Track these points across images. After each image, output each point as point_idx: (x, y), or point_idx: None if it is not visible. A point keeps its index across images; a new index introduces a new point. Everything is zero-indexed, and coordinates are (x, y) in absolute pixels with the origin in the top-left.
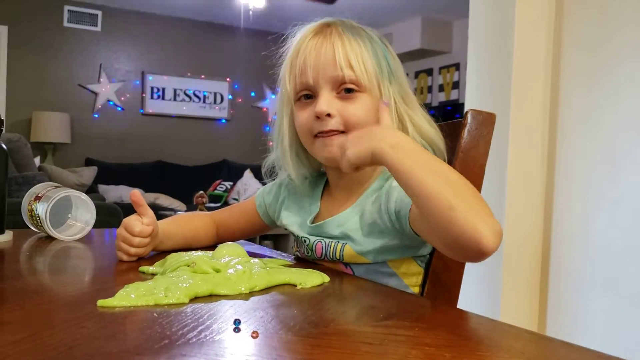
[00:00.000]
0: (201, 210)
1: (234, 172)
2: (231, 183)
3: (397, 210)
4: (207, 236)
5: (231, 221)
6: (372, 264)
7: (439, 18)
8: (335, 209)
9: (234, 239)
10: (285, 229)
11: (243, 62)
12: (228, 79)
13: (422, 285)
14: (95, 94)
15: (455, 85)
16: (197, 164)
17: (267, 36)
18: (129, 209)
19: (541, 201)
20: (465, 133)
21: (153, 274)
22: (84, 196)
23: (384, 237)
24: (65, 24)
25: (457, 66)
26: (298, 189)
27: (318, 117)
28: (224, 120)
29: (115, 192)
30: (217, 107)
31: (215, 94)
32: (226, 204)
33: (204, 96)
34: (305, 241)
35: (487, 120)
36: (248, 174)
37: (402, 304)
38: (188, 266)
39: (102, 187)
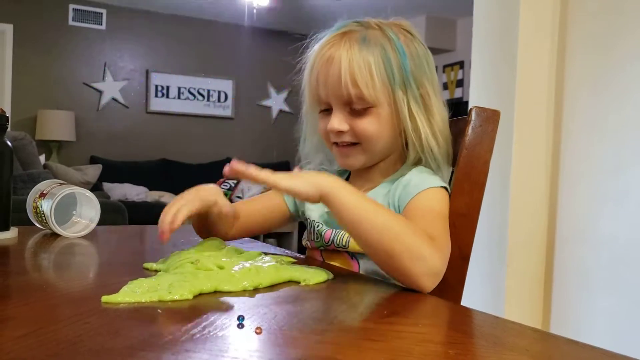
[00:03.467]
0: None
1: None
2: (235, 181)
3: (399, 205)
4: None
5: (253, 210)
6: None
7: (444, 16)
8: None
9: (256, 229)
10: (306, 217)
11: (248, 60)
12: (232, 78)
13: None
14: (100, 92)
15: (460, 83)
16: (201, 162)
17: (272, 34)
18: (133, 207)
19: (545, 199)
20: (470, 130)
21: (156, 271)
22: (88, 193)
23: None
24: (70, 22)
25: (461, 64)
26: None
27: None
28: (228, 119)
29: (119, 190)
30: (221, 106)
31: (219, 92)
32: (230, 202)
33: (209, 94)
34: (317, 226)
35: (491, 118)
36: None
37: (406, 301)
38: (192, 263)
39: (106, 185)
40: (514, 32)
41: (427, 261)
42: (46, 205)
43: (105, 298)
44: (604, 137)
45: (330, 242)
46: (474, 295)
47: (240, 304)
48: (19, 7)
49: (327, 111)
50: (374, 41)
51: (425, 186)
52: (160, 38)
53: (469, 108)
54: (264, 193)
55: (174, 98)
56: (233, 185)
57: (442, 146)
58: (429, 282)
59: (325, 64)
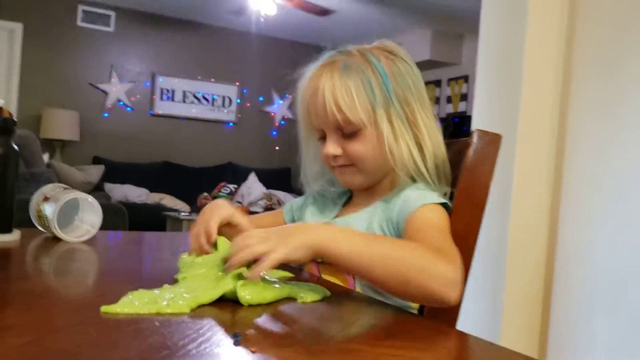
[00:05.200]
0: None
1: (238, 175)
2: (235, 186)
3: (398, 221)
4: None
5: (263, 225)
6: None
7: (450, 30)
8: (350, 214)
9: None
10: None
11: (253, 67)
12: (237, 83)
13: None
14: (106, 93)
15: (464, 97)
16: (203, 166)
17: (278, 42)
18: (133, 208)
19: (546, 221)
20: (471, 152)
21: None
22: (90, 199)
23: None
24: (79, 23)
25: (466, 78)
26: (327, 193)
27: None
28: (231, 124)
29: (120, 191)
30: (225, 111)
31: (224, 97)
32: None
33: (213, 99)
34: None
35: (493, 141)
36: (253, 178)
37: (402, 323)
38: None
39: (108, 186)
40: (519, 53)
41: (444, 275)
42: (49, 210)
43: (104, 308)
44: (607, 160)
45: None
46: (471, 316)
47: (237, 320)
48: (29, 6)
49: (324, 138)
50: (354, 67)
51: (424, 202)
52: (167, 42)
53: (471, 130)
54: (272, 212)
55: (179, 102)
56: (233, 190)
57: (430, 164)
58: (453, 294)
59: (313, 95)
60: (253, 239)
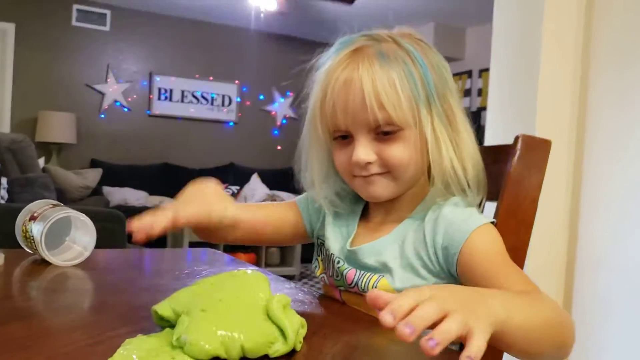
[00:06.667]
0: None
1: (241, 177)
2: (238, 187)
3: (444, 245)
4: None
5: (262, 217)
6: None
7: (453, 24)
8: (372, 234)
9: (263, 239)
10: (323, 245)
11: (252, 64)
12: (237, 82)
13: None
14: (102, 94)
15: (467, 92)
16: (204, 167)
17: (278, 39)
18: (132, 212)
19: (566, 223)
20: (516, 161)
21: (162, 318)
22: (83, 217)
23: (426, 273)
24: (74, 23)
25: (469, 73)
26: (340, 209)
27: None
28: (231, 124)
29: (119, 195)
30: (225, 110)
31: (223, 96)
32: None
33: (212, 98)
34: (337, 262)
35: (541, 147)
36: (255, 179)
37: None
38: (203, 311)
39: (106, 189)
40: (536, 44)
41: (570, 321)
42: (36, 230)
43: None
44: (628, 158)
45: (353, 285)
46: None
47: None
48: (22, 6)
49: (344, 139)
50: (392, 55)
51: (474, 225)
52: (164, 40)
53: (515, 135)
54: (278, 203)
55: (177, 101)
56: (235, 191)
57: (469, 170)
58: (574, 340)
59: (343, 88)
60: (431, 307)
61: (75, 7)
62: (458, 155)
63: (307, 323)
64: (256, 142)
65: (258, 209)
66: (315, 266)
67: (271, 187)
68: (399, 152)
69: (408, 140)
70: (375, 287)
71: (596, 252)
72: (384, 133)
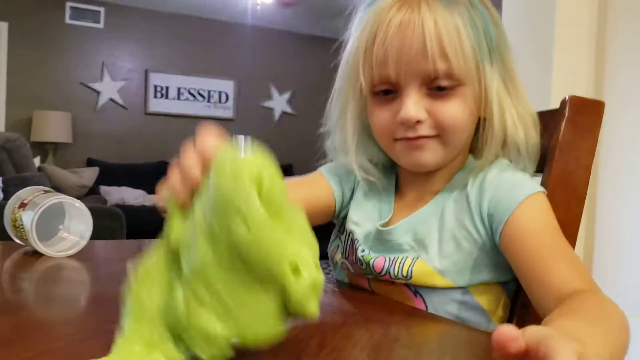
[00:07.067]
0: None
1: None
2: None
3: (490, 213)
4: None
5: (296, 193)
6: (451, 290)
7: None
8: (409, 211)
9: None
10: (345, 226)
11: (249, 60)
12: (234, 78)
13: (509, 322)
14: (98, 92)
15: None
16: None
17: (274, 34)
18: (130, 211)
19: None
20: (565, 126)
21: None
22: (78, 203)
23: (470, 246)
24: (67, 20)
25: None
26: (376, 178)
27: (403, 123)
28: (229, 120)
29: (117, 194)
30: (222, 107)
31: (220, 92)
32: None
33: (209, 95)
34: (361, 249)
35: (593, 110)
36: None
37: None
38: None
39: (103, 189)
40: (549, 26)
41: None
42: (27, 218)
43: None
44: None
45: (384, 273)
46: None
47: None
48: (15, 4)
49: (389, 94)
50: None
51: (526, 193)
52: (159, 37)
53: (563, 97)
54: (304, 179)
55: (174, 99)
56: None
57: (532, 137)
58: None
59: (398, 31)
60: None
61: (69, 4)
62: (520, 119)
63: (333, 314)
64: (253, 138)
65: (294, 182)
66: (337, 245)
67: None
68: (454, 110)
69: (464, 98)
70: (411, 271)
71: (614, 236)
72: (439, 88)
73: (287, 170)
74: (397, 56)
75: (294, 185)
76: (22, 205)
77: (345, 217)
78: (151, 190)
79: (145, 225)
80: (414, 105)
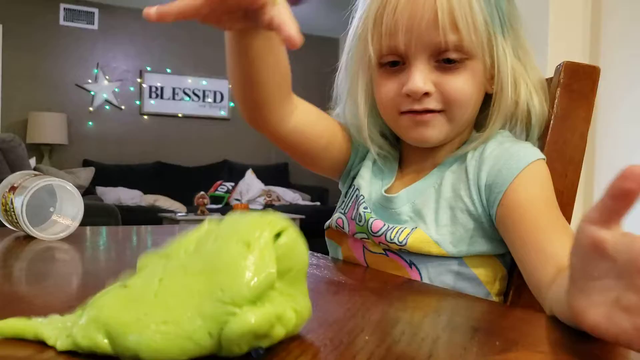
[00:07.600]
0: (202, 212)
1: (235, 173)
2: (233, 184)
3: (488, 184)
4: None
5: (317, 118)
6: (446, 260)
7: None
8: (408, 182)
9: (311, 143)
10: (352, 180)
11: None
12: (229, 77)
13: (505, 295)
14: (93, 93)
15: None
16: (198, 165)
17: None
18: (127, 211)
19: (580, 192)
20: (560, 92)
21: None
22: (69, 186)
23: (465, 217)
24: (62, 22)
25: None
26: (388, 152)
27: (409, 95)
28: (224, 120)
29: (113, 194)
30: (217, 106)
31: (215, 92)
32: (228, 205)
33: (204, 95)
34: (363, 206)
35: (589, 75)
36: (250, 175)
37: (515, 322)
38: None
39: (100, 189)
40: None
41: None
42: (18, 202)
43: None
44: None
45: (380, 234)
46: None
47: None
48: (8, 6)
49: (396, 65)
50: None
51: (526, 161)
52: (153, 37)
53: (558, 64)
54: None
55: (169, 99)
56: (230, 188)
57: (544, 106)
58: None
59: (408, 1)
60: None
61: (63, 6)
62: (535, 89)
63: (329, 290)
64: (250, 137)
65: (320, 111)
66: (338, 206)
67: (266, 183)
68: (462, 84)
69: (473, 72)
70: (407, 239)
71: None
72: (447, 61)
73: (283, 169)
74: (407, 27)
75: (331, 117)
76: (12, 189)
77: (353, 178)
78: (146, 190)
79: (141, 223)
80: (421, 77)
